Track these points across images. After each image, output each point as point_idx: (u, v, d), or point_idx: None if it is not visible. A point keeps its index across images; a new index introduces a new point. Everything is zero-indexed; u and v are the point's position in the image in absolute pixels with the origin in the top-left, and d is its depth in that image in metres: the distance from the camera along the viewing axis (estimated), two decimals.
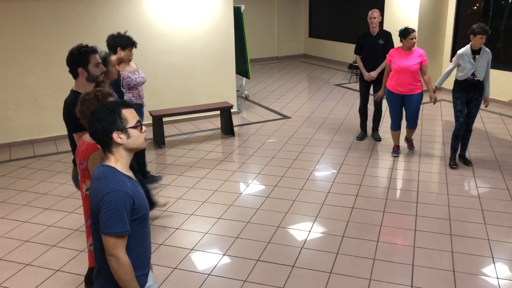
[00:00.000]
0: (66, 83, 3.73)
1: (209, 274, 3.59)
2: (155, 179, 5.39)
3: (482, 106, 5.56)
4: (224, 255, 3.85)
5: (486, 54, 5.35)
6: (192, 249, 3.94)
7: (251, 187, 5.21)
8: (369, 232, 4.15)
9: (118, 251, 1.90)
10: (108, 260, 1.91)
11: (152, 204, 4.33)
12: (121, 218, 1.89)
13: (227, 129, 7.06)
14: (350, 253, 3.82)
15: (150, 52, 7.14)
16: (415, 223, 4.28)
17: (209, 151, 6.38)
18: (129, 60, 5.03)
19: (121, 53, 4.72)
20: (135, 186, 2.01)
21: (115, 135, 1.96)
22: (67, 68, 3.29)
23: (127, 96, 4.95)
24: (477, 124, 7.28)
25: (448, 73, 5.58)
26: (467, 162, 5.70)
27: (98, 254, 2.03)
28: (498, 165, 5.61)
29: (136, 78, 4.97)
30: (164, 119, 6.79)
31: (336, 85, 10.60)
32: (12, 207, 4.82)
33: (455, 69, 5.50)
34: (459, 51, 5.44)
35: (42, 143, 6.80)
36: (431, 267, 3.59)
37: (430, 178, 5.32)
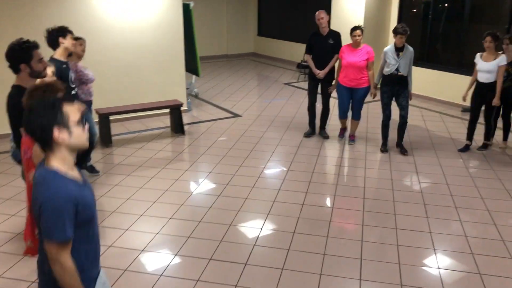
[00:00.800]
0: (9, 77, 3.52)
1: (160, 275, 3.54)
2: (94, 170, 5.39)
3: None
4: (176, 255, 3.81)
5: (409, 52, 5.92)
6: (142, 250, 3.87)
7: (203, 186, 5.18)
8: (319, 227, 4.24)
9: (61, 257, 1.81)
10: (52, 265, 1.83)
11: None
12: (62, 225, 1.79)
13: (177, 128, 6.98)
14: (301, 249, 3.89)
15: (96, 48, 6.90)
16: (363, 218, 4.42)
17: (158, 150, 6.27)
18: (80, 55, 4.91)
19: (64, 41, 4.51)
20: (80, 188, 1.90)
21: (56, 133, 1.81)
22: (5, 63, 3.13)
23: (75, 92, 4.78)
24: (418, 121, 7.63)
25: (381, 69, 6.11)
26: (403, 151, 6.17)
27: (44, 263, 1.94)
28: (438, 161, 5.90)
29: (89, 73, 4.85)
30: (111, 117, 6.60)
31: (285, 84, 10.74)
32: None
33: None
34: (385, 49, 6.05)
35: None
36: (378, 260, 3.73)
37: (375, 175, 5.52)
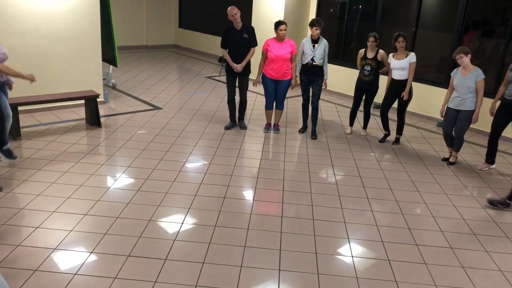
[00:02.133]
0: None
1: (75, 274, 3.37)
2: (11, 156, 5.12)
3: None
4: (91, 252, 3.65)
5: (323, 43, 6.48)
6: (55, 249, 3.65)
7: (120, 181, 5.01)
8: (240, 220, 4.29)
9: None
10: None
11: None
12: None
13: (93, 120, 6.66)
14: (222, 242, 3.91)
15: (2, 33, 6.37)
16: (282, 210, 4.54)
17: (72, 143, 5.95)
18: None
19: None
20: None
21: None
22: None
23: None
24: (333, 117, 7.96)
25: (299, 59, 6.65)
26: (313, 136, 6.80)
27: None
28: (352, 155, 6.22)
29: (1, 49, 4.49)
30: (20, 108, 6.15)
31: (207, 77, 10.68)
32: None
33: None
34: (303, 40, 6.58)
35: None
36: (296, 251, 3.85)
37: (294, 167, 5.68)
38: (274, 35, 6.48)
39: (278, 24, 6.33)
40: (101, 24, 7.48)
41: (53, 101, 6.59)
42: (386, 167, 5.85)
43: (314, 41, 6.45)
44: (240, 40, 6.54)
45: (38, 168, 5.13)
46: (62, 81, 7.18)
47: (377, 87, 6.71)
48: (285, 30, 6.33)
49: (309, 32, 6.68)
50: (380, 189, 5.18)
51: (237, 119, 7.07)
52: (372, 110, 8.50)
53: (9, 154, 5.12)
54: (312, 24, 6.38)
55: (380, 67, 6.61)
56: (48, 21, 6.86)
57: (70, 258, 3.56)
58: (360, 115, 7.25)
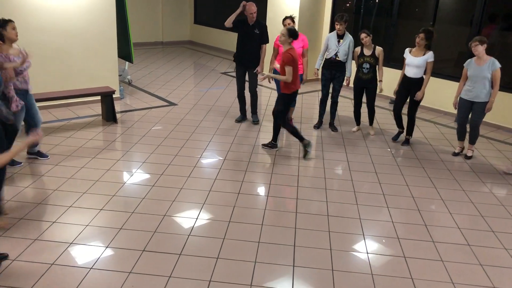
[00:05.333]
0: None
1: (91, 268, 3.40)
2: (43, 155, 5.32)
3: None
4: (107, 247, 3.68)
5: (349, 39, 6.42)
6: (71, 243, 3.70)
7: (136, 176, 5.04)
8: (254, 216, 4.28)
9: None
10: None
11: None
12: None
13: (109, 116, 6.72)
14: (236, 238, 3.91)
15: (20, 31, 6.43)
16: (296, 206, 4.52)
17: (89, 139, 6.01)
18: (12, 40, 4.60)
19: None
20: None
21: None
22: None
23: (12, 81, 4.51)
24: (350, 113, 7.90)
25: (322, 53, 6.61)
26: (334, 129, 6.82)
27: None
28: (367, 151, 6.16)
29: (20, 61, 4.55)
30: (38, 104, 6.20)
31: (222, 73, 10.68)
32: None
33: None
34: (328, 34, 6.59)
35: None
36: (311, 247, 3.83)
37: (309, 163, 5.65)
38: None
39: (284, 19, 6.38)
40: (117, 20, 7.53)
41: (69, 97, 6.67)
42: (402, 163, 5.78)
43: (340, 36, 6.42)
44: (250, 34, 6.58)
45: (55, 163, 5.20)
46: (78, 77, 7.26)
47: (377, 84, 6.49)
48: (289, 24, 6.26)
49: (324, 27, 6.66)
50: (396, 185, 5.12)
51: (249, 113, 7.10)
52: (389, 106, 8.43)
53: (40, 154, 5.33)
54: (335, 19, 6.39)
55: (377, 63, 6.38)
56: (65, 17, 6.93)
57: (86, 253, 3.60)
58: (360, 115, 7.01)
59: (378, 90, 6.50)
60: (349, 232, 4.10)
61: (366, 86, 6.53)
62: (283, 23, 6.36)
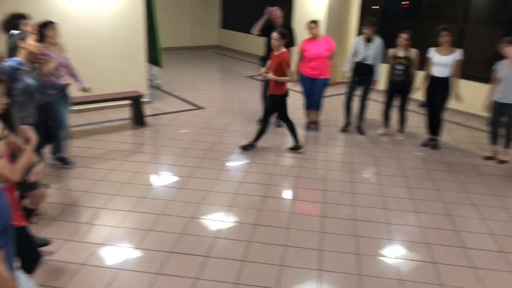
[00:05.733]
0: None
1: (119, 269, 3.47)
2: (67, 162, 5.28)
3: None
4: (135, 248, 3.74)
5: (377, 43, 6.39)
6: (101, 244, 3.78)
7: (164, 179, 5.11)
8: (280, 219, 4.27)
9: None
10: None
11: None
12: None
13: (138, 119, 6.84)
14: (262, 241, 3.91)
15: None
16: (323, 210, 4.48)
17: (118, 142, 6.13)
18: (53, 40, 4.83)
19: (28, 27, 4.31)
20: None
21: None
22: None
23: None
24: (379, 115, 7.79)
25: (351, 57, 6.57)
26: (361, 133, 6.77)
27: None
28: (396, 154, 6.06)
29: (59, 58, 4.78)
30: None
31: (249, 77, 10.73)
32: None
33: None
34: (356, 38, 6.60)
35: None
36: (338, 251, 3.80)
37: (335, 166, 5.61)
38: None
39: (308, 23, 6.44)
40: (146, 26, 7.68)
41: (100, 101, 6.83)
42: (432, 167, 5.66)
43: (368, 39, 6.39)
44: None
45: (86, 165, 5.32)
46: (109, 81, 7.42)
47: (410, 88, 6.27)
48: (312, 28, 6.35)
49: (351, 30, 6.61)
50: (425, 190, 5.02)
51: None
52: (417, 109, 8.27)
53: (64, 161, 5.26)
54: (363, 23, 6.45)
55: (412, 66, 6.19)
56: (96, 23, 7.11)
57: (115, 253, 3.67)
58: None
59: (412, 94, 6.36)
60: (377, 237, 4.04)
61: (399, 89, 6.32)
62: (307, 27, 6.42)
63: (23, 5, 6.15)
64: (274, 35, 5.53)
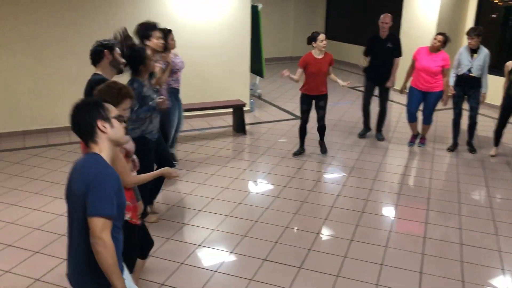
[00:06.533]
0: (80, 74, 3.73)
1: (215, 271, 3.58)
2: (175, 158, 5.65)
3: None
4: (231, 252, 3.85)
5: (484, 54, 5.87)
6: (199, 245, 3.94)
7: (261, 186, 5.20)
8: (378, 237, 4.11)
9: (105, 234, 1.89)
10: (94, 244, 1.89)
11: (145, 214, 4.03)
12: (110, 201, 1.92)
13: (239, 127, 7.06)
14: (358, 257, 3.79)
15: None
16: (425, 231, 4.23)
17: (220, 148, 6.37)
18: (172, 47, 5.21)
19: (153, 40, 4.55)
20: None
21: (99, 123, 2.00)
22: (82, 59, 3.30)
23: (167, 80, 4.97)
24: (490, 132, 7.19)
25: (454, 69, 6.11)
26: (472, 150, 6.28)
27: (80, 248, 2.01)
28: (510, 175, 5.53)
29: (178, 62, 5.12)
30: None
31: (350, 88, 10.54)
32: (23, 194, 4.86)
33: None
34: (460, 49, 6.09)
35: (56, 132, 6.83)
36: (440, 276, 3.55)
37: (441, 185, 5.26)
38: (424, 43, 6.14)
39: (436, 34, 6.05)
40: (251, 37, 7.91)
41: (204, 109, 7.16)
42: None
43: (473, 50, 5.88)
44: (383, 49, 6.41)
45: (189, 169, 5.61)
46: (214, 90, 7.76)
47: None
48: (439, 42, 5.91)
49: (465, 41, 6.11)
50: None
51: (375, 130, 6.92)
52: None
53: (172, 157, 5.58)
54: (468, 33, 5.86)
55: None
56: (205, 34, 7.48)
57: (212, 256, 3.80)
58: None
59: None
60: (486, 265, 3.71)
61: None
62: (435, 37, 6.01)
63: (147, 16, 6.72)
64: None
